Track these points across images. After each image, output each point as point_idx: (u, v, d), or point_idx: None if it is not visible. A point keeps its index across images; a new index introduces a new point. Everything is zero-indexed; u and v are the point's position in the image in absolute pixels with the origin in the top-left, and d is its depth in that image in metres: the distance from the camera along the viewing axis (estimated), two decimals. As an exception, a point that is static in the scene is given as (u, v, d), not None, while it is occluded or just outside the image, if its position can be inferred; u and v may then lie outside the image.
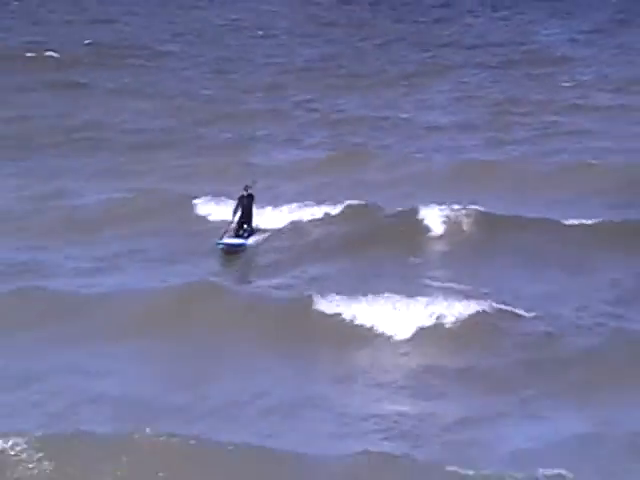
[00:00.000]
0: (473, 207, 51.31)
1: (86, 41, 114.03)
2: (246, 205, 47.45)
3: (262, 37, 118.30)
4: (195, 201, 53.36)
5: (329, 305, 40.05)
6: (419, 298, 39.88)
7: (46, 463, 29.33)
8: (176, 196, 54.38)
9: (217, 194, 52.89)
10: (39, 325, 38.94)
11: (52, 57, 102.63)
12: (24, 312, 39.78)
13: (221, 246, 46.54)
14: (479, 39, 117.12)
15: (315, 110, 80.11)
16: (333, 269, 45.50)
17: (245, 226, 47.33)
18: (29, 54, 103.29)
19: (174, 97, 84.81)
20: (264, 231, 48.59)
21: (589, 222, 50.37)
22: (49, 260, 46.59)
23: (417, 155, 66.43)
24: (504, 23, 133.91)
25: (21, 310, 39.98)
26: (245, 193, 47.59)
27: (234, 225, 47.31)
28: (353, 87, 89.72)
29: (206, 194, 53.48)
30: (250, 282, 45.66)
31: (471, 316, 39.17)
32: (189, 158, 64.42)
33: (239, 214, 47.36)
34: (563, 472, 29.08)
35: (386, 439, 32.19)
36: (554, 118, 78.14)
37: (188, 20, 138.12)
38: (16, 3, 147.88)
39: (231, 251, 46.63)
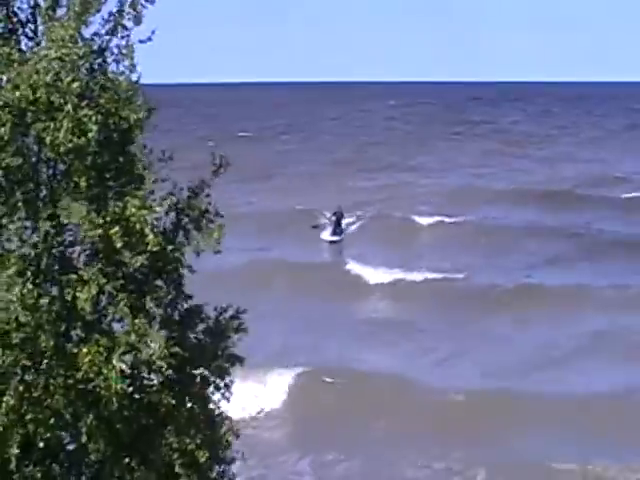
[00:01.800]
0: (459, 216, 50.01)
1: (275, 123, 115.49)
2: (338, 217, 48.42)
3: (360, 127, 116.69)
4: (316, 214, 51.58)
5: (361, 269, 39.86)
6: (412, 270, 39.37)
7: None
8: (306, 209, 52.87)
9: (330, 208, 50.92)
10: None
11: (248, 136, 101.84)
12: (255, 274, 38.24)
13: (328, 240, 47.86)
14: (476, 125, 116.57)
15: (394, 162, 77.71)
16: (373, 250, 44.41)
17: (337, 230, 48.08)
18: (240, 134, 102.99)
19: (328, 154, 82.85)
20: (348, 232, 48.88)
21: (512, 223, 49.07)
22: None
23: (439, 180, 65.53)
24: (487, 117, 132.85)
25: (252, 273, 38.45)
26: (337, 210, 48.70)
27: (332, 227, 48.23)
28: (419, 149, 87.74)
29: (326, 208, 51.43)
30: (334, 258, 46.09)
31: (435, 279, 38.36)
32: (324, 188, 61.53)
33: (335, 221, 48.30)
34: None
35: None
36: (510, 160, 78.08)
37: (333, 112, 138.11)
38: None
39: (332, 242, 47.71)
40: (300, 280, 37.77)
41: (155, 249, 10.08)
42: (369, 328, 33.09)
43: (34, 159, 10.28)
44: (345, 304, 36.17)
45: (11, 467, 9.99)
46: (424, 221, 49.79)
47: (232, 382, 11.22)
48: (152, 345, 10.03)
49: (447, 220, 49.58)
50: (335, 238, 47.80)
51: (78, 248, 10.41)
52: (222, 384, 11.12)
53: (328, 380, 26.93)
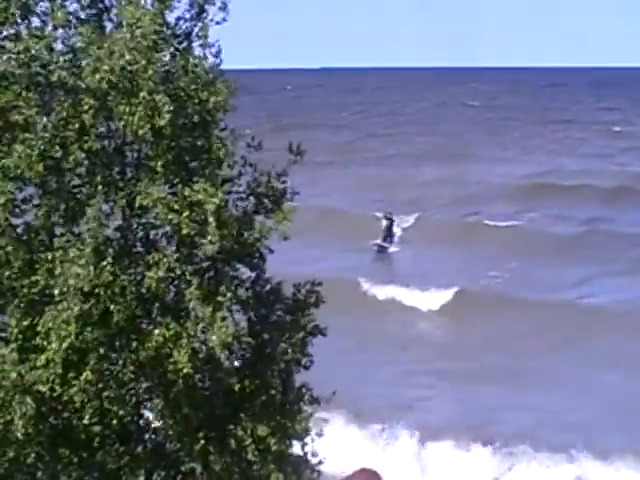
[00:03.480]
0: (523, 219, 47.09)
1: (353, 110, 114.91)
2: (388, 225, 45.83)
3: (442, 114, 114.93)
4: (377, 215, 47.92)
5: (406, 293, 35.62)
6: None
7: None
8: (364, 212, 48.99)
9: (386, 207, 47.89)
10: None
11: (325, 123, 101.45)
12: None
13: (375, 247, 44.97)
14: (559, 112, 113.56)
15: (472, 153, 73.68)
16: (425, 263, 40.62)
17: (387, 238, 45.31)
18: (318, 120, 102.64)
19: (405, 143, 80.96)
20: (400, 242, 45.76)
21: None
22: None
23: (515, 171, 62.26)
24: (571, 104, 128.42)
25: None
26: (388, 216, 46.15)
27: (382, 236, 45.26)
28: (499, 138, 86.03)
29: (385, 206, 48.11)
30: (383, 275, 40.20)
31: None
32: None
33: (385, 230, 45.55)
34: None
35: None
36: (594, 150, 75.52)
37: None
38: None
39: (379, 250, 44.80)
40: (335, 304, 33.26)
41: (214, 239, 10.31)
42: (419, 368, 28.77)
43: (119, 141, 10.66)
44: (396, 334, 32.15)
45: (94, 444, 10.43)
46: (485, 225, 46.15)
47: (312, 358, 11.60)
48: (213, 338, 10.29)
49: (511, 224, 46.05)
50: (384, 244, 44.95)
51: (160, 231, 10.78)
52: (303, 360, 11.56)
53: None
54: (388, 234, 45.66)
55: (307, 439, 11.86)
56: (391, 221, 45.89)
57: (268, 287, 11.53)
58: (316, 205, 45.96)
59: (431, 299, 34.90)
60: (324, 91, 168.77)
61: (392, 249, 44.89)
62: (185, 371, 10.35)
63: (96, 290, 10.18)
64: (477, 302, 33.70)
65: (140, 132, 10.27)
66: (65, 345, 9.94)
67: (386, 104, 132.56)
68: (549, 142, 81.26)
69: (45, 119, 10.28)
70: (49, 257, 10.30)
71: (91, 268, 10.07)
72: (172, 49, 10.90)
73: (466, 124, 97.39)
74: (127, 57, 10.29)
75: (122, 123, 10.38)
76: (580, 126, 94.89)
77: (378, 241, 44.80)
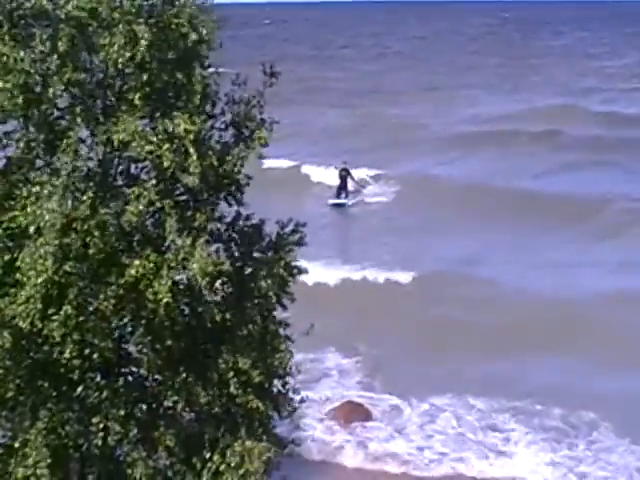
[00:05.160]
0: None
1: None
2: (344, 176, 42.05)
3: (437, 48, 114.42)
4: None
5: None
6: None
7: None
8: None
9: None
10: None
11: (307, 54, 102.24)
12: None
13: (330, 204, 41.52)
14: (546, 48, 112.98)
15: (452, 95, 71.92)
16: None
17: (342, 192, 41.78)
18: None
19: (386, 80, 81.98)
20: (357, 194, 42.43)
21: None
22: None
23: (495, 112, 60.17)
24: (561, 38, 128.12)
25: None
26: (342, 167, 42.27)
27: (336, 191, 42.02)
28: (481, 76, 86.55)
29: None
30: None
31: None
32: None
33: (339, 182, 42.12)
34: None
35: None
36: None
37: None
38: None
39: (335, 207, 41.38)
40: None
41: (196, 171, 10.45)
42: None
43: (100, 75, 10.75)
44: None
45: (75, 378, 10.70)
46: (447, 180, 42.24)
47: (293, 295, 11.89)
48: (194, 266, 10.45)
49: (470, 181, 41.80)
50: (338, 201, 41.53)
51: (141, 164, 10.95)
52: (284, 297, 11.83)
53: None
54: (343, 187, 41.98)
55: (287, 378, 12.13)
56: (346, 172, 42.35)
57: (249, 223, 11.71)
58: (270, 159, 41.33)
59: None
60: (305, 25, 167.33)
61: (350, 202, 41.66)
62: (165, 301, 10.52)
63: (73, 224, 10.33)
64: (436, 280, 29.90)
65: (120, 60, 10.36)
66: (41, 280, 10.11)
67: (370, 38, 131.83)
68: (534, 77, 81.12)
69: (22, 53, 10.31)
70: (25, 193, 10.44)
71: (69, 202, 10.23)
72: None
73: (450, 59, 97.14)
74: None
75: (103, 54, 10.46)
76: (566, 61, 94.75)
77: (331, 200, 41.73)
